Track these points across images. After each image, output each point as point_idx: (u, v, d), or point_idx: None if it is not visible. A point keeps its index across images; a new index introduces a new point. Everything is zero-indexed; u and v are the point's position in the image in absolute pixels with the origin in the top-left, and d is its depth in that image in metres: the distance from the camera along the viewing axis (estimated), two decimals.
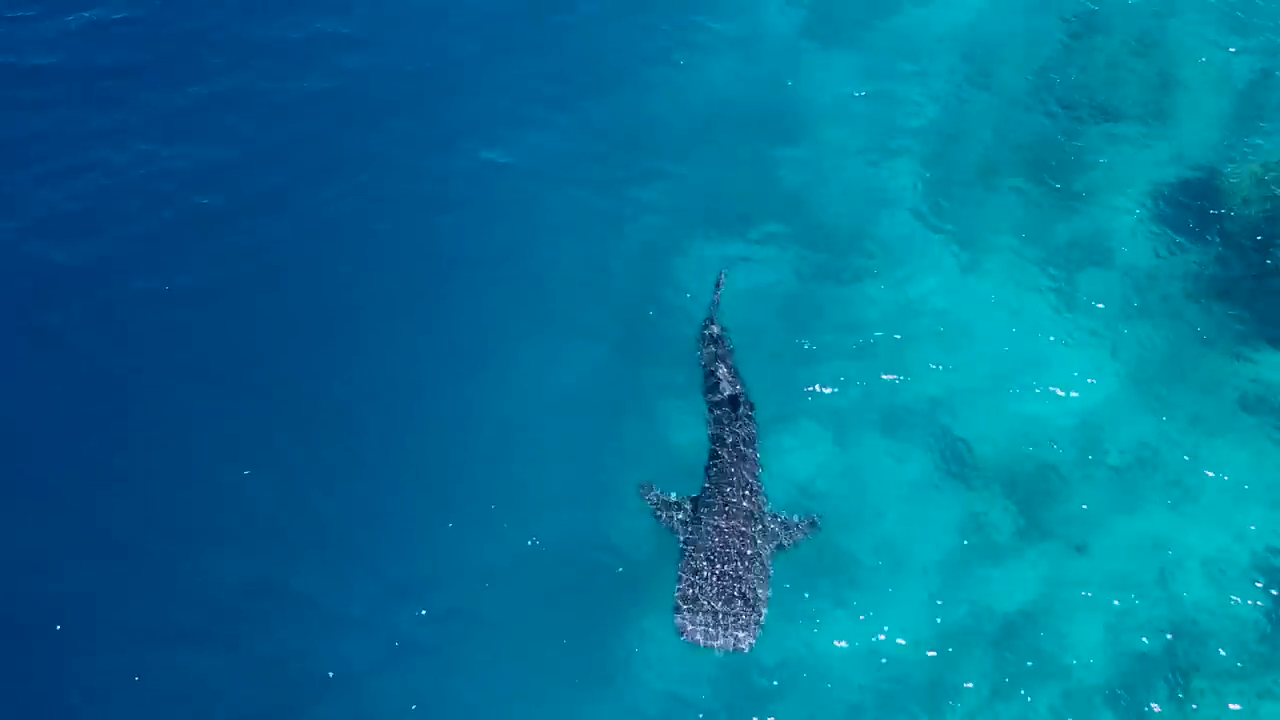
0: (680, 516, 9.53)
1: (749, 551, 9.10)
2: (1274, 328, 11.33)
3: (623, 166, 12.76)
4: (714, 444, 10.00)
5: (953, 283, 11.83)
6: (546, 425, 10.53)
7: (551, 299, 11.54)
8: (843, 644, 9.28)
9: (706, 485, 9.69)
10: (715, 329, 10.98)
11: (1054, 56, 14.14)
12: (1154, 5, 14.64)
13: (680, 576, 9.02)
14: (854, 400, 10.78)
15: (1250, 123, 13.25)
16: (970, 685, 9.20)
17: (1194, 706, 9.06)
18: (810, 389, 10.79)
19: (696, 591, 8.89)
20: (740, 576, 8.94)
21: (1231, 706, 9.04)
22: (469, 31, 14.17)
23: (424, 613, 9.38)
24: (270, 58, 13.68)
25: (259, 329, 11.15)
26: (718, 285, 11.32)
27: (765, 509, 9.58)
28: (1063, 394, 10.91)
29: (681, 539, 9.35)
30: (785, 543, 9.44)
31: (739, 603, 8.81)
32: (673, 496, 9.71)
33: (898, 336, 11.27)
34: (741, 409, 10.16)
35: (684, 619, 8.77)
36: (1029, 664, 9.34)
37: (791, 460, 10.32)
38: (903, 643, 9.31)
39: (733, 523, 9.28)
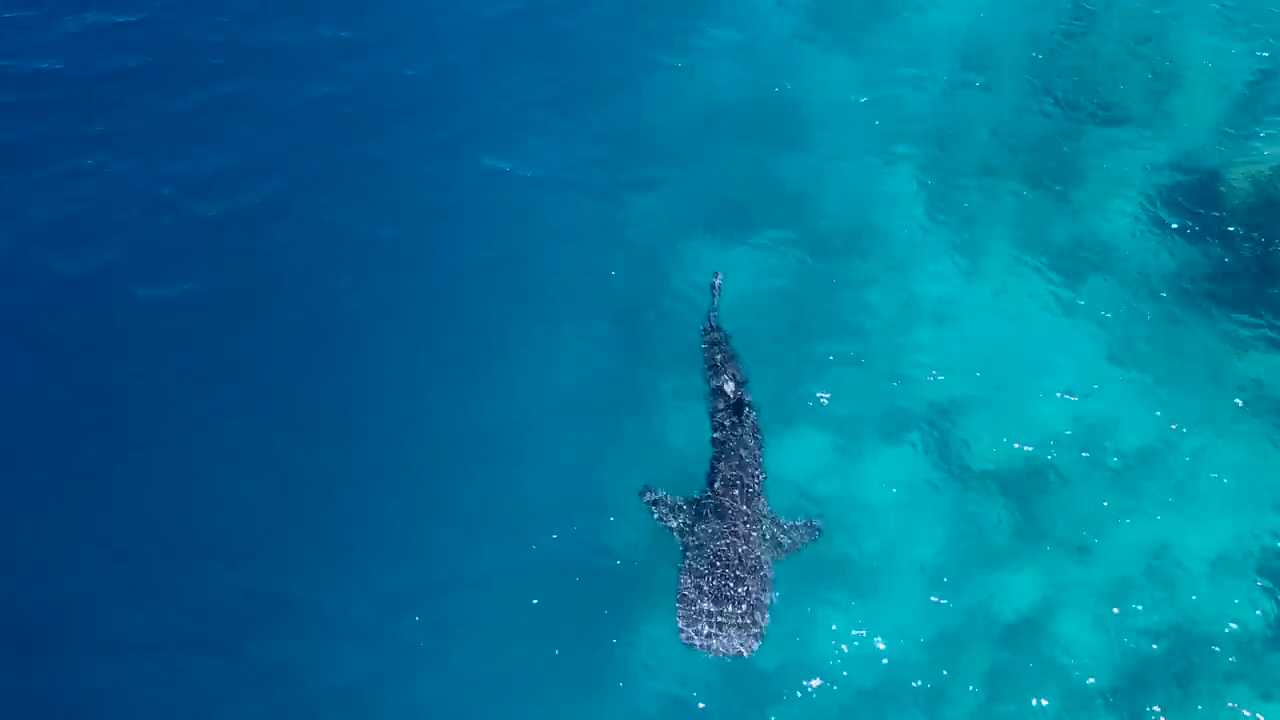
0: (681, 520, 9.54)
1: (750, 556, 9.11)
2: (1273, 329, 11.34)
3: (624, 170, 12.77)
4: (716, 448, 10.01)
5: (953, 285, 11.83)
6: (547, 430, 10.54)
7: (552, 303, 11.54)
8: (843, 647, 9.29)
9: (708, 489, 9.70)
10: (719, 334, 11.00)
11: (1053, 57, 14.14)
12: (1153, 6, 14.64)
13: (681, 581, 9.03)
14: (854, 402, 10.78)
15: (1249, 123, 13.24)
16: (971, 688, 9.21)
17: (1194, 708, 9.06)
18: (810, 391, 10.81)
19: (698, 596, 8.90)
20: (742, 581, 8.94)
21: (1231, 707, 9.05)
22: (469, 37, 14.18)
23: (424, 619, 9.38)
24: (271, 63, 13.69)
25: (259, 336, 11.13)
26: (714, 289, 11.35)
27: (767, 513, 9.59)
28: (1062, 395, 10.91)
29: (682, 543, 9.36)
30: (785, 545, 9.45)
31: (740, 607, 8.82)
32: (674, 500, 9.72)
33: (897, 339, 11.28)
34: (746, 414, 10.17)
35: (685, 624, 8.78)
36: (1029, 666, 9.34)
37: (791, 462, 10.33)
38: (903, 645, 9.32)
39: (734, 527, 9.29)
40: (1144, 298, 11.69)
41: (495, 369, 10.99)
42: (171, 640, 9.18)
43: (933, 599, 9.61)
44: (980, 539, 10.02)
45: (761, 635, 8.77)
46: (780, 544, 9.43)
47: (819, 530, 9.64)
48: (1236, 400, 10.88)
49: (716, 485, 9.64)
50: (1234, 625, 9.50)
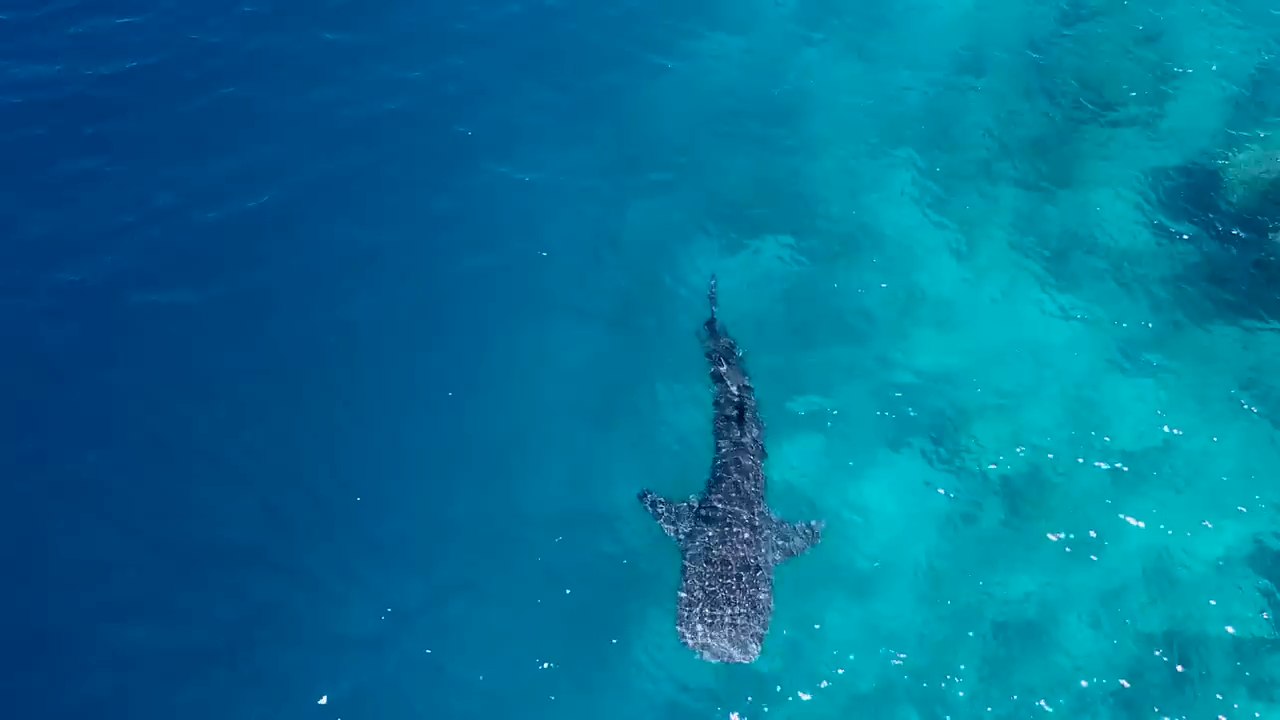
0: (683, 524, 9.55)
1: (752, 559, 9.13)
2: (1273, 329, 11.35)
3: (624, 174, 12.79)
4: (719, 452, 10.03)
5: (952, 286, 11.85)
6: (547, 435, 10.54)
7: (551, 309, 11.54)
8: (844, 650, 9.29)
9: (710, 493, 9.71)
10: (725, 340, 11.02)
11: (1052, 48, 14.19)
12: (1153, 6, 14.67)
13: (683, 584, 9.05)
14: (854, 404, 10.80)
15: (1247, 114, 13.32)
16: (971, 690, 9.20)
17: (1194, 708, 9.07)
18: (810, 394, 10.82)
19: (699, 599, 8.92)
20: (743, 584, 8.96)
21: (1231, 707, 9.06)
22: (470, 41, 14.19)
23: (425, 627, 9.34)
24: (272, 68, 13.70)
25: (259, 343, 11.08)
26: (711, 297, 11.36)
27: (768, 516, 9.61)
28: (1063, 391, 10.94)
29: (684, 547, 9.38)
30: (786, 548, 9.47)
31: (742, 610, 8.84)
32: (674, 504, 9.73)
33: (897, 340, 11.31)
34: (749, 419, 10.18)
35: (686, 627, 8.80)
36: (1030, 667, 9.35)
37: (791, 464, 10.35)
38: (903, 647, 9.33)
39: (735, 530, 9.30)
40: (1143, 299, 11.71)
41: (494, 374, 10.98)
42: (170, 650, 9.12)
43: (933, 601, 9.62)
44: (980, 540, 10.03)
45: (762, 639, 8.79)
46: (781, 548, 9.44)
47: (820, 534, 9.66)
48: (1236, 400, 10.89)
49: (717, 489, 9.65)
50: (1234, 625, 9.52)
